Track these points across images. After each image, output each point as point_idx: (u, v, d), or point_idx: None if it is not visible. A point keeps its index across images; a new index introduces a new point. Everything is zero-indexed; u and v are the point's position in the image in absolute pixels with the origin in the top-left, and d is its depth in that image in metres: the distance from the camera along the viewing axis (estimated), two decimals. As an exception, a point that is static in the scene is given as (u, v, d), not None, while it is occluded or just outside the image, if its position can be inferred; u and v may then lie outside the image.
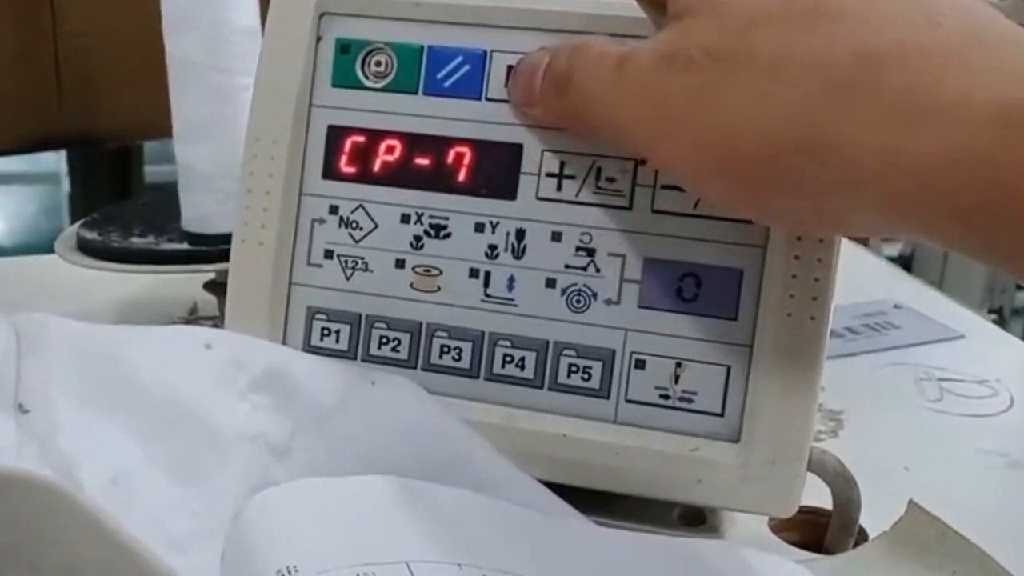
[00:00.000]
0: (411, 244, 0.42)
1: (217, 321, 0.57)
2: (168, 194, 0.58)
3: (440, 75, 0.42)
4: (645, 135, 0.36)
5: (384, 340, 0.42)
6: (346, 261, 0.43)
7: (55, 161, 2.74)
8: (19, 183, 3.26)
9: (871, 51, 0.31)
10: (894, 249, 2.20)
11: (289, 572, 0.31)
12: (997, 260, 0.31)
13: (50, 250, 0.56)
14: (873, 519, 0.41)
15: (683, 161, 0.35)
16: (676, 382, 0.40)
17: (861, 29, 0.31)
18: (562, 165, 0.41)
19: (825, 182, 0.32)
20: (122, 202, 0.70)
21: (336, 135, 0.43)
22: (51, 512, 0.27)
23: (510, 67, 0.41)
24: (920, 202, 0.30)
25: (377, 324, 0.42)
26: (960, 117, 0.29)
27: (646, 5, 0.38)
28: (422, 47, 0.42)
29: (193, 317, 0.60)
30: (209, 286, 0.56)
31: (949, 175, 0.29)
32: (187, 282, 0.58)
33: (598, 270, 0.41)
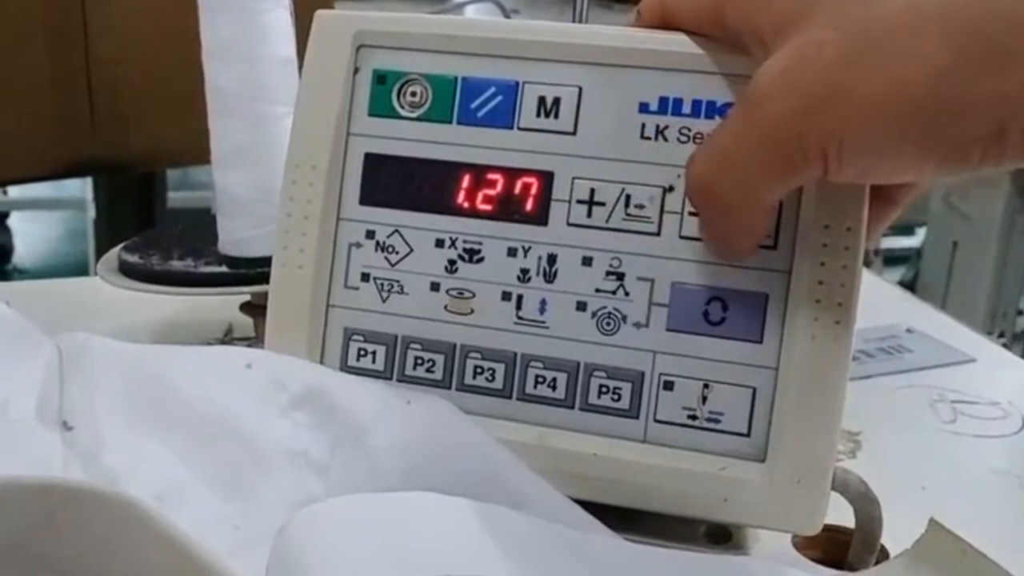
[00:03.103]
0: (445, 268, 0.43)
1: (252, 342, 0.59)
2: (205, 219, 0.60)
3: (473, 105, 0.43)
4: (806, 123, 0.35)
5: (419, 361, 0.44)
6: (382, 284, 0.44)
7: (81, 187, 2.77)
8: (45, 209, 3.30)
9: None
10: (895, 276, 2.20)
11: (333, 586, 0.32)
12: None
13: (74, 273, 0.58)
14: (893, 537, 0.42)
15: (862, 128, 0.34)
16: (703, 403, 0.41)
17: None
18: (592, 192, 0.42)
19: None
20: (161, 227, 0.72)
21: (373, 162, 0.44)
22: (121, 523, 0.28)
23: (542, 98, 0.42)
24: None
25: (412, 345, 0.44)
26: None
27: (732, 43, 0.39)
28: (456, 78, 0.44)
29: (228, 338, 0.62)
30: (245, 308, 0.57)
31: None
32: (223, 304, 0.59)
33: (627, 294, 0.42)
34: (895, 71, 0.32)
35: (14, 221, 3.22)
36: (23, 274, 3.03)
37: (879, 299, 0.73)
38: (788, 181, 0.37)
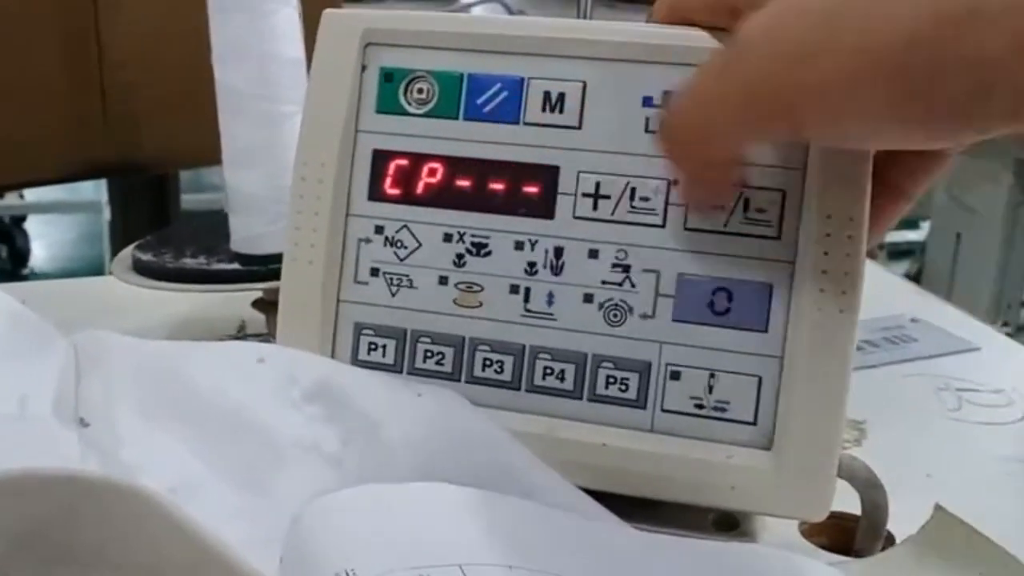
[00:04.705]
0: (454, 262, 0.44)
1: (264, 338, 0.59)
2: (217, 218, 0.60)
3: (479, 101, 0.44)
4: (785, 69, 0.34)
5: (429, 354, 0.44)
6: (391, 279, 0.45)
7: (96, 190, 2.79)
8: (61, 212, 3.32)
9: None
10: (900, 269, 2.20)
11: (348, 574, 0.33)
12: None
13: (90, 274, 0.58)
14: (899, 524, 0.42)
15: (844, 68, 0.33)
16: (710, 392, 0.42)
17: None
18: (597, 186, 0.43)
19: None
20: (174, 225, 0.73)
21: (381, 159, 0.45)
22: (139, 515, 0.28)
23: (547, 93, 0.43)
24: None
25: (422, 339, 0.44)
26: None
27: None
28: (462, 75, 0.44)
29: (241, 334, 0.62)
30: (257, 304, 0.58)
31: None
32: (235, 301, 0.60)
33: (633, 285, 0.42)
34: (872, 29, 0.32)
35: (31, 225, 3.24)
36: (40, 277, 3.05)
37: (884, 290, 0.73)
38: (760, 132, 0.37)
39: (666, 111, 0.39)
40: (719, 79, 0.37)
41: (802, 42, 0.34)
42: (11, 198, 3.09)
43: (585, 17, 0.86)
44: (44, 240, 3.29)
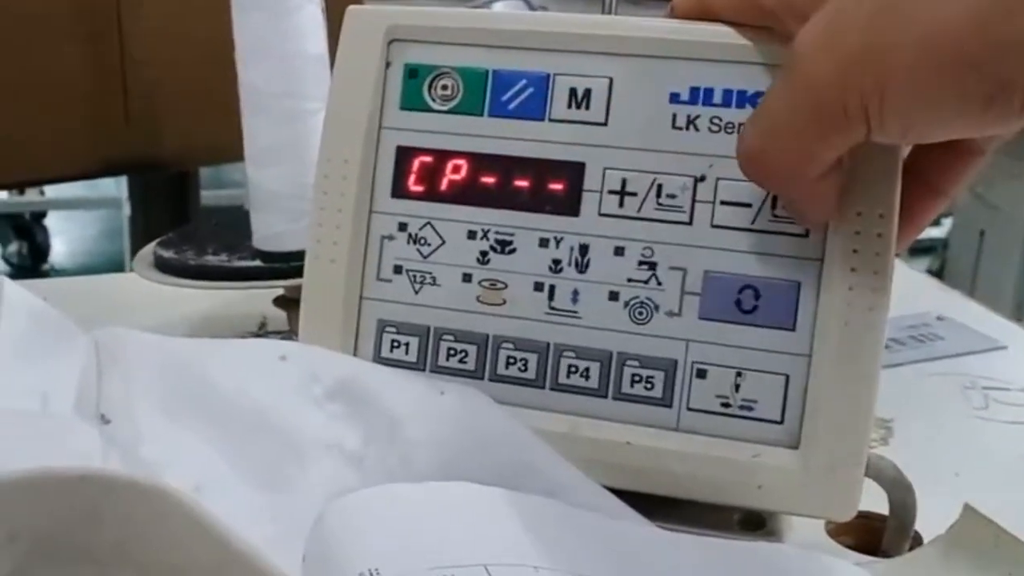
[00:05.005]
0: (477, 259, 0.44)
1: (286, 335, 0.59)
2: (239, 215, 0.60)
3: (504, 97, 0.44)
4: (852, 72, 0.34)
5: (452, 352, 0.44)
6: (415, 276, 0.44)
7: (116, 187, 2.80)
8: (81, 208, 3.34)
9: None
10: (922, 265, 2.18)
11: (371, 574, 0.32)
12: None
13: (111, 271, 0.58)
14: (927, 523, 0.42)
15: (902, 80, 0.33)
16: (736, 391, 0.41)
17: None
18: (623, 183, 0.42)
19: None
20: (195, 222, 0.73)
21: (405, 155, 0.45)
22: (162, 514, 0.28)
23: (573, 89, 0.43)
24: None
25: (445, 336, 0.44)
26: None
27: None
28: (487, 71, 0.44)
29: (263, 331, 0.63)
30: (278, 301, 0.58)
31: None
32: (257, 298, 0.60)
33: (659, 283, 0.42)
34: (930, 18, 0.32)
35: (51, 221, 3.26)
36: (60, 273, 3.07)
37: (909, 287, 0.73)
38: (837, 142, 0.36)
39: (740, 145, 0.38)
40: (784, 101, 0.36)
41: (863, 41, 0.33)
42: (31, 194, 3.11)
43: (610, 12, 0.85)
44: (64, 236, 3.31)
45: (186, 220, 1.34)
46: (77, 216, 3.42)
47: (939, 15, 0.32)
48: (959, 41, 0.31)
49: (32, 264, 3.14)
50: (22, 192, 3.07)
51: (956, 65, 0.32)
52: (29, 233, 3.17)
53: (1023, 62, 0.31)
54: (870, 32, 0.33)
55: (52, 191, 3.12)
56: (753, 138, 0.38)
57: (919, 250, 2.71)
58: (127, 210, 2.28)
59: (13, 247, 3.19)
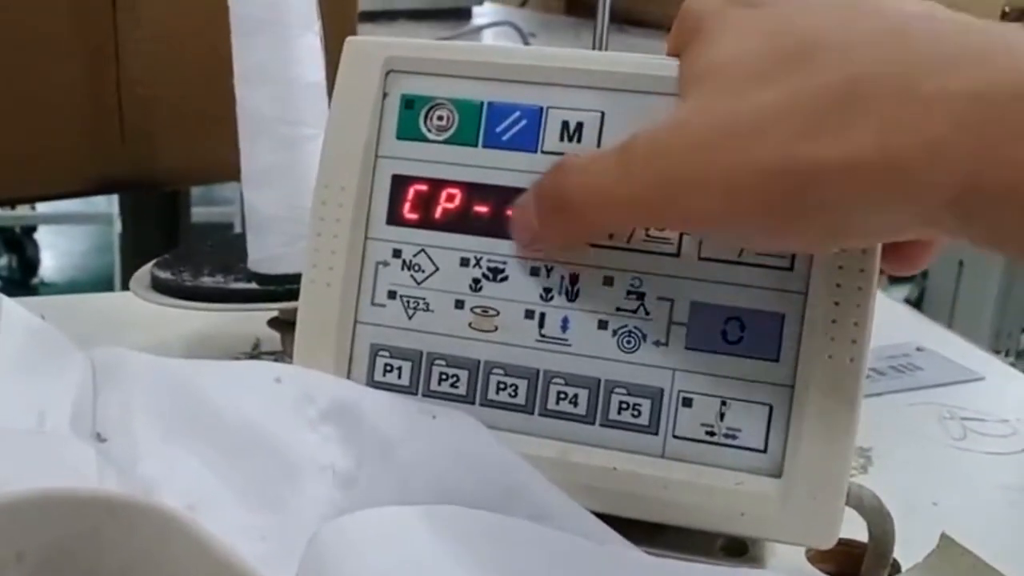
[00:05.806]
0: (470, 286, 0.44)
1: (279, 356, 0.60)
2: (234, 237, 0.61)
3: (499, 129, 0.44)
4: (664, 197, 0.38)
5: (444, 376, 0.45)
6: (408, 301, 0.45)
7: (107, 203, 2.80)
8: (72, 223, 3.34)
9: (854, 74, 0.34)
10: (900, 294, 2.19)
11: (362, 596, 0.33)
12: (1000, 248, 0.33)
13: (100, 286, 0.59)
14: (905, 551, 0.43)
15: (714, 206, 0.36)
16: (721, 420, 0.42)
17: (840, 58, 0.34)
18: (613, 214, 0.43)
19: (832, 199, 0.34)
20: (192, 244, 0.73)
21: (400, 184, 0.45)
22: (163, 535, 0.29)
23: (565, 122, 0.44)
24: (916, 198, 0.33)
25: (437, 361, 0.45)
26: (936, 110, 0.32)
27: None
28: (482, 103, 0.45)
29: (256, 352, 0.63)
30: (272, 323, 0.59)
31: (932, 167, 0.32)
32: (251, 319, 0.61)
33: (647, 313, 0.43)
34: (738, 167, 0.35)
35: (41, 235, 3.25)
36: (49, 287, 3.06)
37: (889, 317, 0.74)
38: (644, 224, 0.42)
39: (557, 178, 0.41)
40: (613, 180, 0.39)
41: (681, 169, 0.37)
42: (22, 208, 3.11)
43: (601, 41, 0.87)
44: (54, 251, 3.30)
45: (177, 237, 1.34)
46: (67, 231, 3.42)
47: (745, 166, 0.35)
48: (764, 192, 0.35)
49: (22, 278, 3.13)
50: (13, 206, 3.07)
51: (763, 210, 0.36)
52: (19, 247, 3.16)
53: (821, 216, 0.35)
54: (688, 167, 0.37)
55: (43, 205, 3.11)
56: (575, 185, 0.40)
57: (898, 279, 2.72)
58: (118, 226, 2.29)
59: (3, 261, 3.19)
